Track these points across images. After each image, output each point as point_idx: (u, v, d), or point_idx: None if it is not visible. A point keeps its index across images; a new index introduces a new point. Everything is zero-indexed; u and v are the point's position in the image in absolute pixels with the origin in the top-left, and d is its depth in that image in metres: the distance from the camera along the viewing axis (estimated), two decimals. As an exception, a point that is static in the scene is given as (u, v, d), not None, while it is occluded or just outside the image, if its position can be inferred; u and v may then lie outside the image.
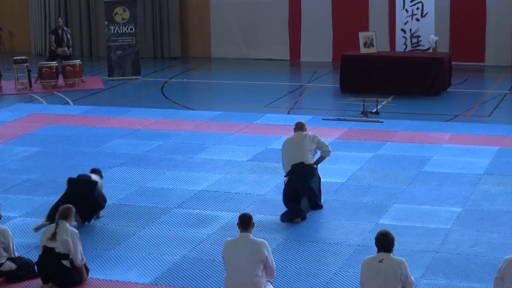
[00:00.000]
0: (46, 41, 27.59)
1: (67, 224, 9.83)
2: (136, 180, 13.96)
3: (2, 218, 10.42)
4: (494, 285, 8.47)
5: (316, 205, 12.41)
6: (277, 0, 26.15)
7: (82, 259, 9.89)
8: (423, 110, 18.95)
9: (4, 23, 28.56)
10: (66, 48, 23.07)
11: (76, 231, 9.90)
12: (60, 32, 23.23)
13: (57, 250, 9.72)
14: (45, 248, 9.79)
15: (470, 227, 11.57)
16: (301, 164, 12.18)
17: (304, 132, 12.41)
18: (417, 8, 21.64)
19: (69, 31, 23.94)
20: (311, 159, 12.29)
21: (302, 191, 12.11)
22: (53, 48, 23.22)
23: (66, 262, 9.77)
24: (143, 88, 22.39)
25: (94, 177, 12.04)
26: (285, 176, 12.36)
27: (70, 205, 10.05)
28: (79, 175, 12.16)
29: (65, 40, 23.20)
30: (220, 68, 25.85)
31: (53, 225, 9.86)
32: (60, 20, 23.81)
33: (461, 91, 21.06)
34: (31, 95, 21.51)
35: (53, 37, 23.29)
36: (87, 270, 10.06)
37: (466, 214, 12.07)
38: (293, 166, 12.19)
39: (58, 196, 12.99)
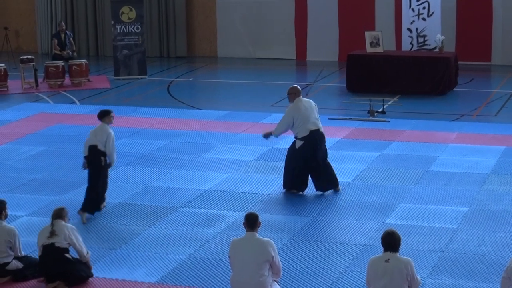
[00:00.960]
0: (52, 41, 27.63)
1: (63, 222, 9.83)
2: (142, 180, 13.97)
3: (8, 217, 10.42)
4: (501, 285, 8.44)
5: (335, 182, 12.93)
6: (283, -1, 26.21)
7: (87, 252, 9.92)
8: (430, 109, 18.94)
9: (10, 23, 28.63)
10: (69, 51, 23.10)
11: (74, 226, 9.92)
12: (62, 35, 23.26)
13: (56, 245, 9.70)
14: (44, 247, 9.78)
15: (476, 226, 11.56)
16: (318, 131, 12.68)
17: (309, 99, 12.98)
18: (424, 8, 21.63)
19: (72, 35, 23.95)
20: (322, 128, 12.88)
21: (317, 162, 12.66)
22: (56, 52, 23.25)
23: (68, 255, 9.77)
24: (149, 88, 22.41)
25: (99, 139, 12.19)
26: (298, 140, 12.65)
27: (63, 206, 10.08)
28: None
29: (68, 44, 23.22)
30: (226, 68, 25.87)
31: (48, 225, 9.84)
32: (63, 24, 23.83)
33: (467, 91, 21.04)
34: (37, 94, 21.55)
35: (55, 41, 23.33)
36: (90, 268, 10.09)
37: (473, 214, 12.05)
38: (311, 132, 12.58)
39: (65, 195, 13.09)
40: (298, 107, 12.70)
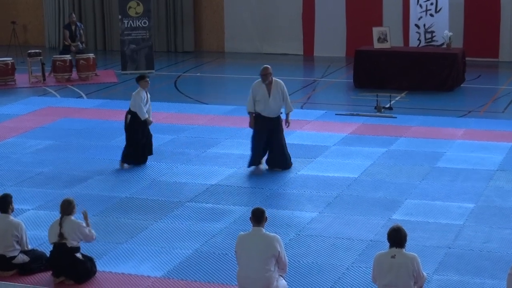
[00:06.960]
0: (60, 35, 27.69)
1: (72, 217, 9.83)
2: (149, 174, 13.98)
3: (15, 210, 10.43)
4: (507, 282, 8.41)
5: None
6: (290, -6, 26.18)
7: (93, 236, 9.94)
8: (437, 105, 18.91)
9: (18, 17, 28.65)
10: (79, 43, 23.14)
11: (81, 222, 9.91)
12: (73, 27, 23.28)
13: (68, 245, 9.73)
14: (56, 245, 9.80)
15: (483, 223, 11.54)
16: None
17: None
18: (431, 4, 21.60)
19: (83, 27, 23.99)
20: None
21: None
22: (66, 43, 23.28)
23: (78, 255, 9.79)
24: (157, 82, 22.40)
25: None
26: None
27: (70, 199, 9.99)
28: None
29: (78, 35, 23.25)
30: (233, 63, 25.85)
31: (57, 221, 9.82)
32: (74, 16, 23.85)
33: (475, 87, 21.00)
34: (44, 88, 21.57)
35: (67, 33, 23.33)
36: (94, 264, 10.09)
37: (479, 210, 12.03)
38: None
39: (71, 189, 13.11)
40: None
